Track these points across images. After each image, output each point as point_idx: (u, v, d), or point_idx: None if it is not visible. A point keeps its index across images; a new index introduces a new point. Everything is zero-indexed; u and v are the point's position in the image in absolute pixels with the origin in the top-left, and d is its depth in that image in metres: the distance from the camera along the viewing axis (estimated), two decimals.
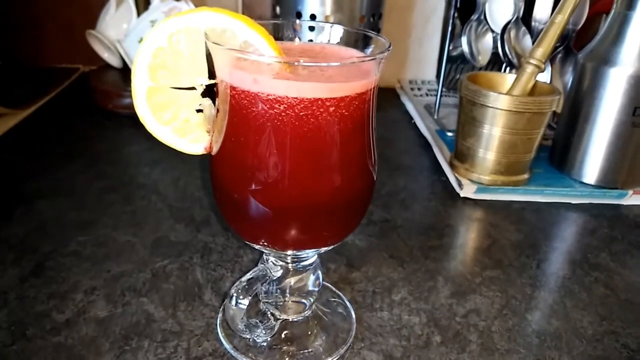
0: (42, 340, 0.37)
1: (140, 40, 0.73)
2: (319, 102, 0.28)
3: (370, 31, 0.33)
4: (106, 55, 0.83)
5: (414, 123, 0.82)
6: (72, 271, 0.44)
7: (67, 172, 0.60)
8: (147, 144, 0.68)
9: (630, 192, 0.62)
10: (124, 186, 0.58)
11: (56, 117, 0.77)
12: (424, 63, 1.01)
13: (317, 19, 0.70)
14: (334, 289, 0.44)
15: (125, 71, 0.81)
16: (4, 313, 0.39)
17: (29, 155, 0.64)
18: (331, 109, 0.28)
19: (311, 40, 0.36)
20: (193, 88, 0.31)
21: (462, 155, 0.64)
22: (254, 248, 0.40)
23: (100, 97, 0.77)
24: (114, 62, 0.83)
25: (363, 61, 0.29)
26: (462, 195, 0.61)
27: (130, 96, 0.76)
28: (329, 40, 0.35)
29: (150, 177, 0.60)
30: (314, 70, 0.28)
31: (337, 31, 0.35)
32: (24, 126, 0.72)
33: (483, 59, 0.77)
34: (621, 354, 0.39)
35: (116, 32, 0.80)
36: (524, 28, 0.72)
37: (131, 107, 0.77)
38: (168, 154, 0.63)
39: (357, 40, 0.35)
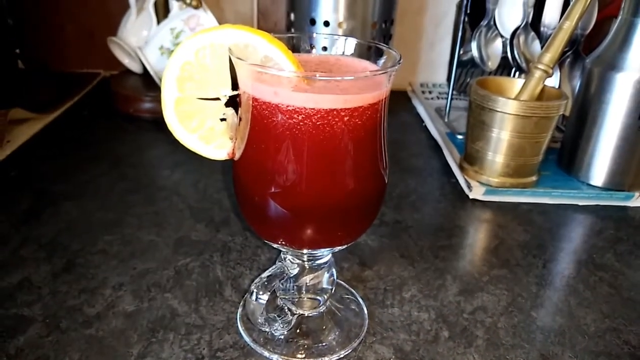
0: (75, 332, 0.39)
1: (160, 47, 0.77)
2: (334, 112, 0.30)
3: (383, 44, 0.36)
4: (127, 61, 0.86)
5: (425, 126, 0.84)
6: (101, 268, 0.46)
7: (91, 174, 0.63)
8: (167, 147, 0.71)
9: (637, 194, 0.63)
10: (145, 188, 0.61)
11: (79, 121, 0.80)
12: (435, 66, 1.03)
13: (330, 25, 0.72)
14: (347, 286, 0.46)
15: (145, 76, 0.84)
16: (38, 307, 0.42)
17: (55, 158, 0.67)
18: (345, 118, 0.31)
19: (325, 49, 0.39)
20: (217, 98, 0.33)
21: (471, 157, 0.66)
22: (272, 247, 0.43)
23: (122, 101, 0.80)
24: (135, 67, 0.86)
25: (375, 75, 0.31)
26: (471, 197, 0.63)
27: (151, 101, 0.80)
28: (343, 52, 0.37)
29: (171, 179, 0.63)
30: (330, 83, 0.30)
31: (351, 43, 0.37)
32: (49, 130, 0.75)
33: (492, 63, 0.78)
34: (622, 350, 0.41)
35: (137, 38, 0.83)
36: (532, 33, 0.74)
37: (151, 111, 0.80)
38: (188, 157, 0.66)
39: (370, 51, 0.37)
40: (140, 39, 0.82)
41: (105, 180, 0.62)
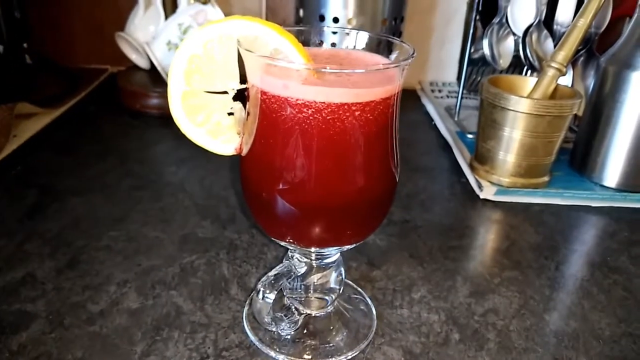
0: (78, 329, 0.39)
1: (168, 43, 0.76)
2: (345, 106, 0.29)
3: (395, 37, 0.35)
4: (134, 57, 0.85)
5: (434, 124, 0.83)
6: (105, 264, 0.46)
7: (97, 170, 0.63)
8: (174, 144, 0.70)
9: None
10: (152, 184, 0.60)
11: (86, 116, 0.79)
12: (445, 65, 1.02)
13: (339, 22, 0.71)
14: (355, 286, 0.45)
15: (152, 72, 0.83)
16: (42, 303, 0.41)
17: (61, 153, 0.67)
18: (357, 113, 0.30)
19: (334, 45, 0.38)
20: (225, 92, 0.33)
21: (482, 157, 0.65)
22: (279, 245, 0.42)
23: (129, 97, 0.80)
24: (142, 63, 0.85)
25: (387, 68, 0.30)
26: (481, 197, 0.62)
27: (158, 97, 0.79)
28: (354, 46, 0.36)
29: (177, 175, 0.63)
30: (341, 76, 0.30)
31: (362, 37, 0.36)
32: (55, 125, 0.74)
33: (504, 61, 0.77)
34: (638, 356, 0.40)
35: (144, 34, 0.82)
36: (545, 31, 0.72)
37: (158, 107, 0.80)
38: (194, 154, 0.65)
39: (382, 45, 0.36)
40: (147, 35, 0.82)
41: (112, 176, 0.61)
